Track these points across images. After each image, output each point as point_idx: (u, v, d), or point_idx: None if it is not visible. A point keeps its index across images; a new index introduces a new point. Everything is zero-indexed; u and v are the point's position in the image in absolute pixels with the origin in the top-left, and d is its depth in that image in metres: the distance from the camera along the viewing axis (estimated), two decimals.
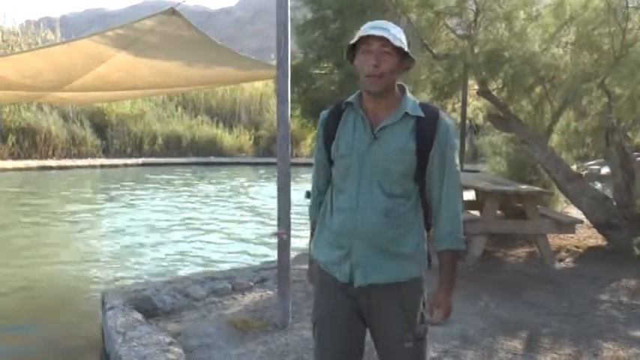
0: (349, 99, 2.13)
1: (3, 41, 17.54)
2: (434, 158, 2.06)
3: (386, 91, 2.05)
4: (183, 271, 6.11)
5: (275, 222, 4.00)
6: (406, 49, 2.03)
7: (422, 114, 2.06)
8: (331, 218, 2.15)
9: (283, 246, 3.91)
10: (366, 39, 2.01)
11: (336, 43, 6.02)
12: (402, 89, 2.13)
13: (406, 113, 2.05)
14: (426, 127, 2.05)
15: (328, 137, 2.15)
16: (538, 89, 6.44)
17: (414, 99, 2.12)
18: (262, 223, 9.08)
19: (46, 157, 16.06)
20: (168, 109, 19.52)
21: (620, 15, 5.47)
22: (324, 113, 2.22)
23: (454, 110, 9.40)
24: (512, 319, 4.27)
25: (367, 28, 2.02)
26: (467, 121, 9.61)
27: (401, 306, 2.12)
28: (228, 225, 8.90)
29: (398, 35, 2.02)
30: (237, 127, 19.92)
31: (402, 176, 2.06)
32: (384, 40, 1.98)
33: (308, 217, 2.37)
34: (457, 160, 2.12)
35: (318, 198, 2.28)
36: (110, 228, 8.48)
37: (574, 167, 7.03)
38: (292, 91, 4.07)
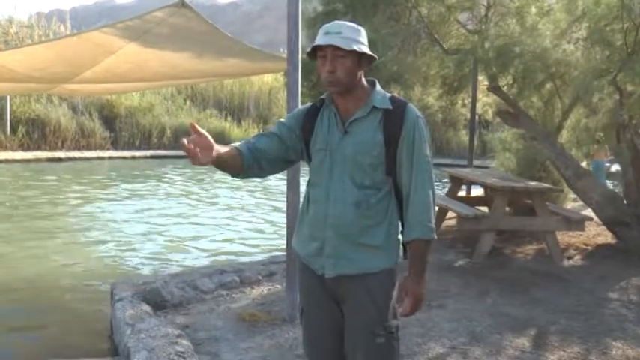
0: (323, 96, 2.22)
1: (15, 33, 17.59)
2: (403, 148, 2.11)
3: (351, 89, 2.12)
4: (192, 264, 6.13)
5: (284, 216, 4.00)
6: (361, 48, 2.06)
7: (390, 106, 2.12)
8: (307, 211, 2.24)
9: (291, 240, 3.90)
10: (320, 46, 2.06)
11: None
12: (372, 83, 2.20)
13: (374, 107, 2.12)
14: (394, 118, 2.11)
15: (307, 133, 2.21)
16: (548, 85, 6.40)
17: (384, 92, 2.18)
18: (271, 216, 9.09)
19: (55, 149, 16.11)
20: (177, 102, 19.53)
21: (634, 11, 5.42)
22: (303, 107, 2.30)
23: (464, 105, 9.37)
24: (520, 317, 4.26)
25: (321, 35, 2.06)
26: (476, 117, 9.56)
27: (370, 297, 2.15)
28: (237, 218, 8.92)
29: (352, 36, 2.06)
30: (245, 120, 19.90)
31: (372, 168, 2.11)
32: (336, 47, 2.03)
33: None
34: (427, 151, 2.15)
35: (249, 144, 2.19)
36: (118, 219, 8.51)
37: (584, 164, 6.99)
38: (302, 85, 4.06)
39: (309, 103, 2.30)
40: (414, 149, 2.11)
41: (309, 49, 2.13)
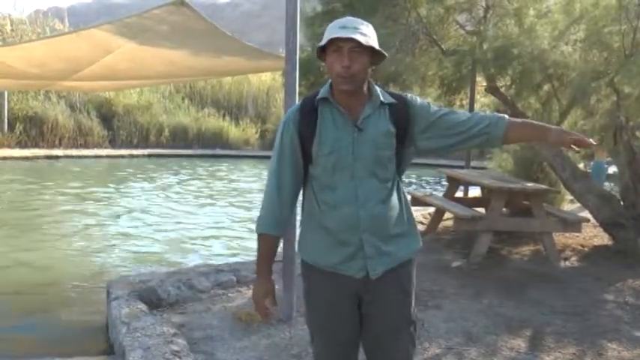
0: (322, 95, 2.12)
1: (12, 30, 17.56)
2: (429, 120, 2.15)
3: (361, 86, 2.11)
4: (188, 263, 6.12)
5: None
6: (376, 46, 2.06)
7: (393, 100, 2.15)
8: (324, 217, 2.14)
9: (288, 239, 3.90)
10: (336, 40, 2.01)
11: None
12: (368, 80, 2.19)
13: (381, 102, 2.13)
14: (400, 110, 2.14)
15: (305, 137, 2.12)
16: (546, 87, 6.40)
17: (380, 88, 2.20)
18: None
19: (53, 147, 16.09)
20: (175, 100, 19.51)
21: (632, 13, 5.42)
22: (290, 114, 2.18)
23: (462, 106, 9.36)
24: (516, 317, 4.26)
25: (337, 29, 2.02)
26: None
27: (403, 287, 2.19)
28: (234, 217, 8.92)
29: (368, 33, 2.05)
30: (243, 119, 19.89)
31: (389, 160, 2.14)
32: (354, 42, 1.99)
33: (261, 231, 2.22)
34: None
35: (282, 209, 2.17)
36: (115, 218, 8.50)
37: (581, 165, 7.00)
38: (300, 84, 4.05)
39: (295, 105, 2.21)
40: (432, 110, 2.17)
41: (323, 42, 2.03)
